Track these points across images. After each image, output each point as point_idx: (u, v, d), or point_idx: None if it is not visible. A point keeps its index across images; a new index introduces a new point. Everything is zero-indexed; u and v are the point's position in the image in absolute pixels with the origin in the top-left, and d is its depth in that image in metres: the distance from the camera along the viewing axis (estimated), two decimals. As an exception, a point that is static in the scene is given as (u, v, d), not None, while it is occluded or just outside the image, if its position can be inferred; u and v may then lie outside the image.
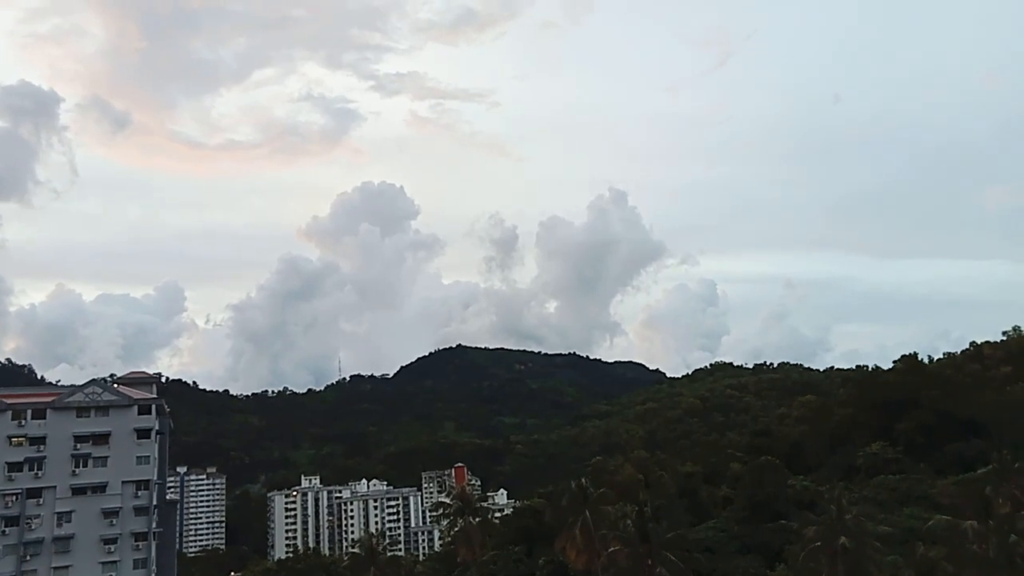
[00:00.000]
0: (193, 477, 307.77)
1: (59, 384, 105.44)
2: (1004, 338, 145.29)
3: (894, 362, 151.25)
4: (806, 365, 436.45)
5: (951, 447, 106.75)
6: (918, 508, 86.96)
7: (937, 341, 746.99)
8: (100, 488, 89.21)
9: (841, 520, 57.90)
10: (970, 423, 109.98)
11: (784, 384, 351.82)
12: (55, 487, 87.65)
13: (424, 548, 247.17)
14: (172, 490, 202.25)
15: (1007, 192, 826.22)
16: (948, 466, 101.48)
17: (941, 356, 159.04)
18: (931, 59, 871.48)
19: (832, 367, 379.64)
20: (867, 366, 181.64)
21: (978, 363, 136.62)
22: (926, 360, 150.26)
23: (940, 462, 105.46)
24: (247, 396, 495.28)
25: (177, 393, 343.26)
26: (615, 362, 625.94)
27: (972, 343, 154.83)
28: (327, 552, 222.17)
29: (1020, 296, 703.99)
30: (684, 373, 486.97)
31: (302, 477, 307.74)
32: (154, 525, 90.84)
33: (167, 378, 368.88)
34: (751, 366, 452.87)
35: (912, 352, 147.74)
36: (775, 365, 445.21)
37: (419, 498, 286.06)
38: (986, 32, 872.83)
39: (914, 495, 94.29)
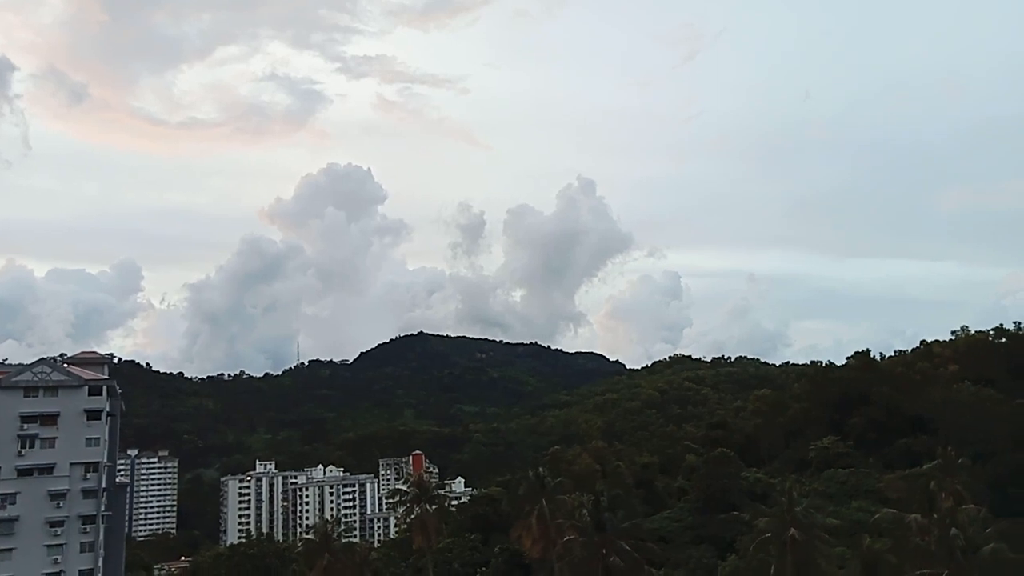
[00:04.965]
0: (144, 460, 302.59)
1: (5, 362, 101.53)
2: (952, 337, 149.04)
3: (847, 358, 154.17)
4: (764, 360, 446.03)
5: (899, 442, 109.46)
6: (866, 501, 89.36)
7: (891, 339, 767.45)
8: (47, 470, 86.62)
9: (792, 512, 58.97)
10: (918, 419, 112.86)
11: (741, 378, 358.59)
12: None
13: (380, 535, 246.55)
14: (122, 473, 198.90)
15: (961, 195, 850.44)
16: (896, 461, 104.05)
17: (893, 353, 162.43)
18: (893, 63, 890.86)
19: (788, 362, 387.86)
20: (822, 362, 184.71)
21: (927, 361, 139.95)
22: (879, 357, 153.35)
23: (888, 457, 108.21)
24: (202, 379, 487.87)
25: (130, 375, 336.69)
26: (576, 352, 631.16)
27: (923, 341, 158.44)
28: (281, 538, 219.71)
29: (970, 296, 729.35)
30: (644, 365, 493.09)
31: (257, 462, 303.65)
32: (103, 508, 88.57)
33: (120, 359, 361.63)
34: (709, 359, 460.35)
35: (865, 349, 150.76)
36: (732, 359, 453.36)
37: (376, 485, 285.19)
38: (946, 39, 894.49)
39: (862, 489, 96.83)
